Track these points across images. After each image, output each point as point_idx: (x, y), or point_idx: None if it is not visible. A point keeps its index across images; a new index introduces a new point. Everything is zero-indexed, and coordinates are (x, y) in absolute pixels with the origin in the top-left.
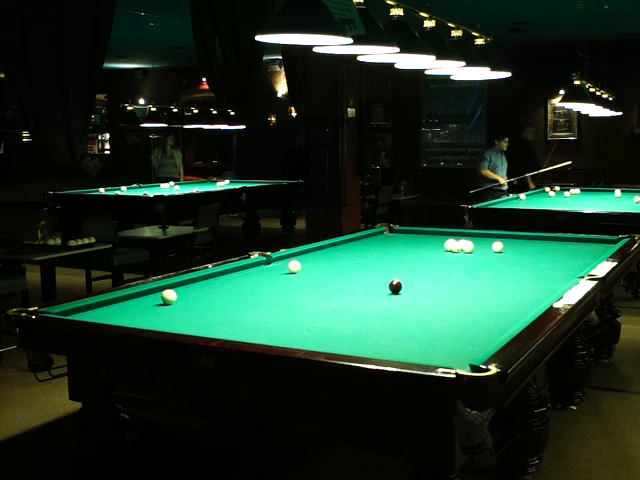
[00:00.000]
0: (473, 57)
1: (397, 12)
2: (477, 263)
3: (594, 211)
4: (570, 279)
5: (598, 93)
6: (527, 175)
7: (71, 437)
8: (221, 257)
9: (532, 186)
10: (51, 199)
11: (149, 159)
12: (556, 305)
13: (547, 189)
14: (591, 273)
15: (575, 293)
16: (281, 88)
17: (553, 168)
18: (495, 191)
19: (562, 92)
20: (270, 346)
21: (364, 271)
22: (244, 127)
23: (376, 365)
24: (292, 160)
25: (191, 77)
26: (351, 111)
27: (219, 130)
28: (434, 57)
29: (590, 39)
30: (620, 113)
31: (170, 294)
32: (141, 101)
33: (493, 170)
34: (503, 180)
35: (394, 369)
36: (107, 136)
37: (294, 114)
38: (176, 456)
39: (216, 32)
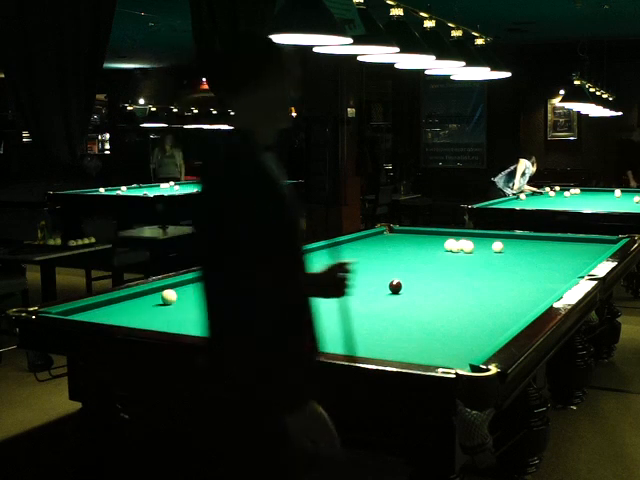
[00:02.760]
0: (473, 57)
1: (397, 12)
2: (477, 263)
3: (594, 211)
4: (570, 279)
5: (598, 93)
6: (629, 172)
7: (71, 437)
8: None
9: (633, 184)
10: (51, 199)
11: (149, 159)
12: (556, 305)
13: (547, 189)
14: (591, 273)
15: (575, 293)
16: None
17: (532, 189)
18: (498, 193)
19: (562, 92)
20: None
21: (364, 271)
22: None
23: (376, 365)
24: (292, 160)
25: (191, 77)
26: (351, 111)
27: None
28: (434, 57)
29: (590, 39)
30: (620, 113)
31: (170, 294)
32: (141, 101)
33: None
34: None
35: (394, 369)
36: (107, 136)
37: (294, 114)
38: (175, 456)
39: (216, 32)
